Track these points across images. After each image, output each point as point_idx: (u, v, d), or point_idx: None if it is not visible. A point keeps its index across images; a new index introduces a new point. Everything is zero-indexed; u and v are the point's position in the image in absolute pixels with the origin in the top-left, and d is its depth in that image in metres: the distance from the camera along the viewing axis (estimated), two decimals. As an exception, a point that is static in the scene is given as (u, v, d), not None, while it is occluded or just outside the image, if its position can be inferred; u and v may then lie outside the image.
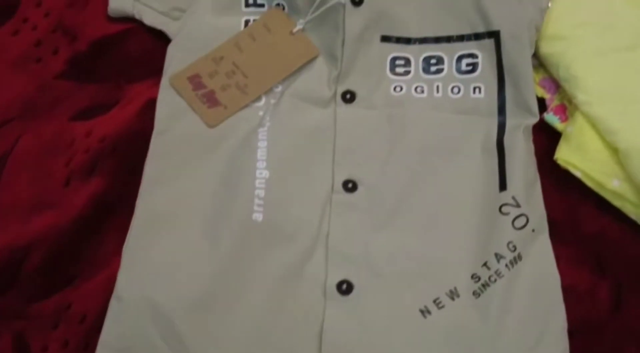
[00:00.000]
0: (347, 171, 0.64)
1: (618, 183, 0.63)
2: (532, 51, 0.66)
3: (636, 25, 0.67)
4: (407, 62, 0.68)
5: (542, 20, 0.66)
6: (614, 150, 0.63)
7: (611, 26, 0.67)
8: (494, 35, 0.66)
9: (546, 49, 0.67)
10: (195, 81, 0.67)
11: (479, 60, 0.67)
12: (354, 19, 0.66)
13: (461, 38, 0.68)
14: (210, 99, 0.66)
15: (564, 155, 0.64)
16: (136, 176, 0.63)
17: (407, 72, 0.68)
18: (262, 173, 0.63)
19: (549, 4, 0.67)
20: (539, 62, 0.69)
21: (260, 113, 0.67)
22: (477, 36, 0.67)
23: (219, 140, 0.65)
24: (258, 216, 0.62)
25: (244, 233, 0.61)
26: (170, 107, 0.66)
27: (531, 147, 0.66)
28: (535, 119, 0.65)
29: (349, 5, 0.66)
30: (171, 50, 0.69)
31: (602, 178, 0.63)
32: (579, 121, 0.65)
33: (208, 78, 0.67)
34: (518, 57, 0.66)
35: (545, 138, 0.68)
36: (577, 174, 0.64)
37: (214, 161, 0.64)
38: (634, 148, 0.62)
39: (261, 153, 0.64)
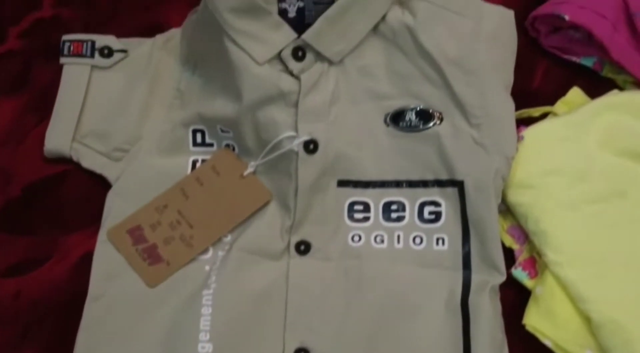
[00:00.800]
0: (299, 338, 0.59)
1: (591, 355, 0.58)
2: (499, 201, 0.62)
3: (611, 174, 0.63)
4: (366, 207, 0.64)
5: (509, 169, 0.62)
6: (587, 318, 0.58)
7: (584, 174, 0.63)
8: (458, 184, 0.62)
9: (514, 198, 0.63)
10: (136, 234, 0.62)
11: (443, 209, 0.63)
12: (308, 167, 0.62)
13: (424, 183, 0.64)
14: (152, 255, 0.62)
15: (532, 321, 0.60)
16: (68, 347, 0.57)
17: (366, 219, 0.64)
18: (204, 346, 0.58)
19: (516, 152, 0.62)
20: (507, 207, 0.64)
21: (207, 268, 0.62)
22: (440, 183, 0.63)
23: (159, 304, 0.60)
24: (200, 397, 0.57)
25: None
26: (107, 265, 0.61)
27: (498, 307, 0.61)
28: (502, 278, 0.61)
29: (302, 152, 0.61)
30: (111, 197, 0.64)
31: (574, 349, 0.59)
32: (549, 282, 0.60)
33: (150, 230, 0.62)
34: (483, 210, 0.61)
35: (514, 292, 0.63)
36: (547, 343, 0.59)
37: (152, 330, 0.59)
38: (608, 319, 0.57)
39: (204, 322, 0.59)
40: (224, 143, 0.65)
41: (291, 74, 0.62)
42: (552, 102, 0.71)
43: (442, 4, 0.62)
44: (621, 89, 0.72)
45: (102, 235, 0.62)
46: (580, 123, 0.65)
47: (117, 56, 0.68)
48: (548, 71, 0.74)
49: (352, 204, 0.64)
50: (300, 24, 0.63)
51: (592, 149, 0.64)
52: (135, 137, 0.65)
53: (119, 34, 0.70)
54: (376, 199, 0.64)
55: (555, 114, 0.69)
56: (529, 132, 0.65)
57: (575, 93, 0.70)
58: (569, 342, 0.59)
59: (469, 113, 0.62)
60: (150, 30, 0.70)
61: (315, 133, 0.62)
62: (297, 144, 0.61)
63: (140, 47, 0.69)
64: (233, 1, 0.59)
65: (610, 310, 0.58)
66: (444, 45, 0.62)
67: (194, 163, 0.66)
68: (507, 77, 0.64)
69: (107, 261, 0.62)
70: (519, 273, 0.63)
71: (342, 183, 0.64)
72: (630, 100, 0.66)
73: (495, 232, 0.61)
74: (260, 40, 0.61)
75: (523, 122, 0.68)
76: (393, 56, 0.63)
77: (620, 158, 0.64)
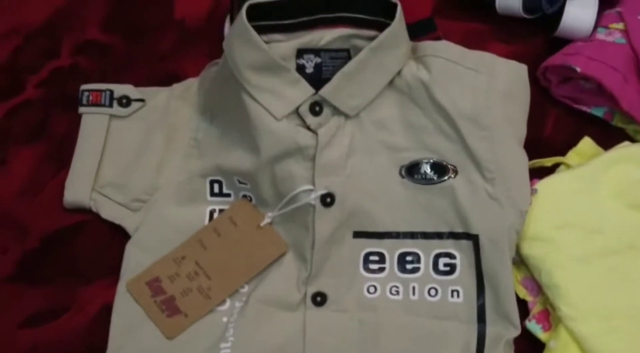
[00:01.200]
0: (316, 391, 0.60)
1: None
2: (513, 254, 0.63)
3: (624, 226, 0.64)
4: (382, 258, 0.65)
5: (523, 223, 0.63)
6: (600, 373, 0.59)
7: (597, 228, 0.64)
8: (472, 238, 0.63)
9: (527, 250, 0.64)
10: (154, 286, 0.63)
11: (457, 261, 0.64)
12: (325, 220, 0.62)
13: (438, 235, 0.64)
14: (170, 307, 0.62)
15: (546, 374, 0.60)
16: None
17: (381, 269, 0.64)
18: (223, 399, 0.59)
19: (529, 205, 0.63)
20: (520, 259, 0.65)
21: (224, 319, 0.63)
22: (454, 235, 0.64)
23: (177, 358, 0.60)
24: None
25: None
26: (126, 318, 0.62)
27: (513, 360, 0.62)
28: (517, 332, 0.61)
29: (319, 206, 0.62)
30: (129, 248, 0.65)
31: (587, 403, 0.59)
32: (563, 335, 0.61)
33: (168, 282, 0.63)
34: (497, 264, 0.62)
35: (527, 344, 0.64)
36: (561, 396, 0.60)
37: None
38: (621, 375, 0.58)
39: (223, 377, 0.59)
40: (242, 193, 0.66)
41: (308, 128, 0.63)
42: (563, 151, 0.72)
43: (456, 60, 0.63)
44: (632, 138, 0.73)
45: (121, 287, 0.63)
46: (592, 176, 0.66)
47: (135, 105, 0.69)
48: (559, 120, 0.75)
49: (367, 255, 0.65)
50: (317, 79, 0.64)
51: (605, 202, 0.65)
52: (153, 187, 0.66)
53: (136, 83, 0.71)
54: (391, 250, 0.65)
55: (567, 165, 0.70)
56: (542, 185, 0.66)
57: (586, 143, 0.71)
58: (583, 396, 0.59)
59: (483, 167, 0.63)
60: (166, 79, 0.71)
61: (332, 186, 0.63)
62: (314, 198, 0.62)
63: (157, 96, 0.69)
64: (252, 58, 0.60)
65: (624, 366, 0.58)
66: (459, 101, 0.63)
67: (212, 213, 0.67)
68: (521, 130, 0.65)
69: (127, 313, 0.62)
70: (533, 325, 0.64)
71: (358, 234, 0.65)
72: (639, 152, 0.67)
73: (510, 286, 0.62)
74: (278, 96, 0.61)
75: (535, 172, 0.69)
76: (408, 110, 0.64)
77: (632, 210, 0.65)
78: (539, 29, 0.78)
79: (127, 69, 0.74)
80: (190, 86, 0.70)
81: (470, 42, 0.77)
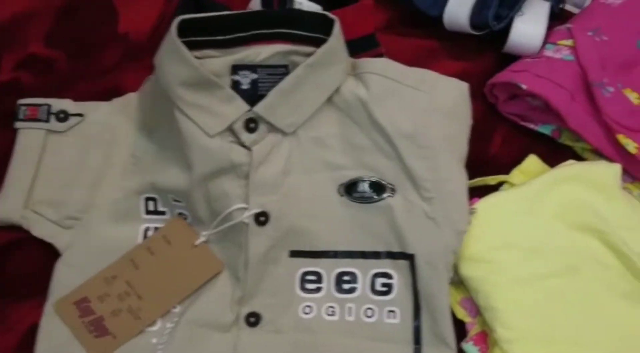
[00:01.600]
0: (245, 415, 0.58)
1: None
2: (450, 275, 0.62)
3: (566, 248, 0.63)
4: (319, 277, 0.63)
5: (460, 243, 0.61)
6: (536, 398, 0.58)
7: (537, 249, 0.63)
8: (409, 257, 0.62)
9: (465, 271, 0.63)
10: (83, 306, 0.61)
11: (395, 281, 0.63)
12: (259, 239, 0.61)
13: (376, 255, 0.63)
14: (98, 328, 0.61)
15: (481, 399, 0.59)
16: None
17: (318, 289, 0.63)
18: None
19: (467, 226, 0.61)
20: (460, 279, 0.64)
21: (154, 341, 0.61)
22: (392, 255, 0.63)
23: (104, 379, 0.59)
24: None
25: None
26: (53, 339, 0.61)
27: (448, 383, 0.60)
28: (452, 353, 0.60)
29: (252, 224, 0.61)
30: (59, 267, 0.63)
31: None
32: (499, 359, 0.59)
33: (97, 302, 0.62)
34: (434, 285, 0.61)
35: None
36: None
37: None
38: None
39: (149, 399, 0.58)
40: (177, 211, 0.65)
41: (243, 145, 0.62)
42: (510, 169, 0.71)
43: (395, 78, 0.63)
44: (579, 157, 0.72)
45: (48, 307, 0.62)
46: (534, 196, 0.65)
47: (73, 120, 0.68)
48: (506, 137, 0.74)
49: (304, 274, 0.64)
50: (254, 95, 0.63)
51: (546, 223, 0.64)
52: (87, 204, 0.65)
53: (79, 98, 0.70)
54: (329, 269, 0.64)
55: (510, 183, 0.69)
56: (482, 204, 0.65)
57: (532, 161, 0.70)
58: None
59: (420, 187, 0.62)
60: (109, 94, 0.70)
61: (267, 205, 0.62)
62: (247, 216, 0.61)
63: (96, 111, 0.68)
64: (183, 75, 0.60)
65: (558, 392, 0.57)
66: (397, 119, 0.62)
67: (146, 231, 0.65)
68: (461, 149, 0.64)
69: (53, 334, 0.61)
70: (470, 347, 0.62)
71: (294, 253, 0.64)
72: (584, 172, 0.66)
73: (446, 307, 0.61)
74: (212, 113, 0.60)
75: (479, 190, 0.68)
76: (347, 128, 0.63)
77: (574, 231, 0.64)
78: (489, 46, 0.77)
79: (70, 84, 0.73)
80: (130, 100, 0.69)
81: (421, 58, 0.77)
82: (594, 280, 0.62)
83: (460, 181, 0.63)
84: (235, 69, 0.62)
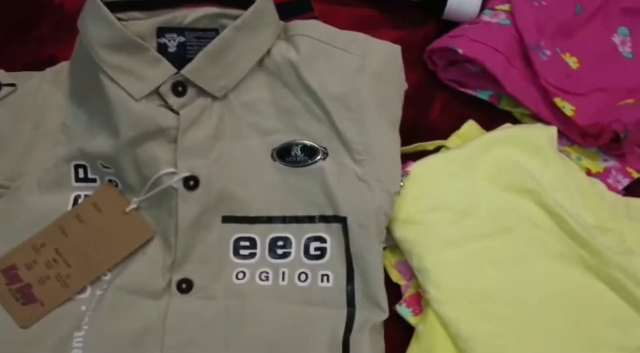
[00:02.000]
0: (174, 380, 0.58)
1: (470, 394, 0.57)
2: (382, 237, 0.61)
3: (497, 209, 0.63)
4: (253, 243, 0.63)
5: (392, 206, 0.61)
6: (466, 358, 0.57)
7: (469, 211, 0.63)
8: (341, 220, 0.61)
9: (399, 233, 0.62)
10: (10, 274, 0.60)
11: (328, 245, 0.62)
12: (188, 204, 0.61)
13: (310, 219, 0.63)
14: (26, 295, 0.60)
15: (413, 360, 0.59)
16: None
17: (252, 255, 0.63)
18: (73, 391, 0.56)
19: (400, 188, 0.61)
20: (394, 242, 0.64)
21: (83, 308, 0.60)
22: (325, 219, 0.62)
23: (33, 346, 0.58)
24: None
25: None
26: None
27: (380, 345, 0.60)
28: (384, 315, 0.60)
29: (181, 189, 0.60)
30: (-14, 236, 0.62)
31: (452, 388, 0.58)
32: (430, 319, 0.59)
33: (25, 270, 0.61)
34: (365, 248, 0.60)
35: (401, 329, 0.62)
36: (426, 383, 0.58)
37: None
38: (485, 360, 0.56)
39: (72, 366, 0.57)
40: (107, 178, 0.64)
41: (171, 109, 0.61)
42: (449, 135, 0.71)
43: (325, 40, 0.62)
44: (518, 122, 0.72)
45: (-26, 275, 0.60)
46: (468, 158, 0.65)
47: (5, 90, 0.67)
48: (446, 104, 0.74)
49: (237, 240, 0.63)
50: (182, 59, 0.62)
51: (479, 185, 0.64)
52: (16, 173, 0.64)
53: (13, 69, 0.68)
54: (263, 235, 0.63)
55: (448, 148, 0.69)
56: (416, 167, 0.64)
57: (470, 126, 0.70)
58: (449, 381, 0.58)
59: (352, 149, 0.61)
60: (43, 64, 0.69)
61: (196, 169, 0.61)
62: (176, 181, 0.60)
63: (29, 81, 0.67)
64: (107, 37, 0.59)
65: (490, 349, 0.57)
66: (327, 82, 0.61)
67: (77, 198, 0.64)
68: (394, 113, 0.64)
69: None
70: (404, 310, 0.62)
71: (227, 219, 0.63)
72: (519, 134, 0.66)
73: (378, 270, 0.60)
74: (137, 76, 0.60)
75: (417, 156, 0.68)
76: (278, 92, 0.63)
77: (507, 193, 0.64)
78: (429, 14, 0.77)
79: (4, 54, 0.72)
80: (62, 69, 0.68)
81: (360, 28, 0.76)
82: (527, 240, 0.62)
83: (392, 144, 0.63)
84: (161, 31, 0.62)
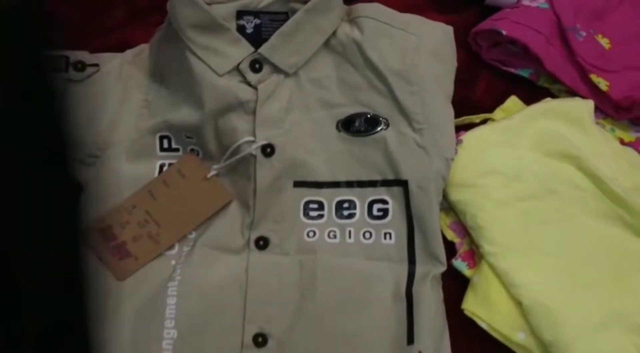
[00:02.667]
0: (257, 325, 0.65)
1: (524, 336, 0.64)
2: (440, 199, 0.68)
3: (542, 174, 0.69)
4: (321, 206, 0.69)
5: (449, 170, 0.68)
6: (519, 303, 0.64)
7: (517, 175, 0.69)
8: (403, 184, 0.68)
9: (454, 196, 0.69)
10: (107, 233, 0.67)
11: (390, 206, 0.68)
12: (265, 169, 0.67)
13: (372, 183, 0.69)
14: (121, 251, 0.66)
15: (470, 306, 0.65)
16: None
17: (320, 216, 0.69)
18: (169, 332, 0.63)
19: (455, 154, 0.68)
20: (449, 205, 0.70)
21: (173, 262, 0.67)
22: (387, 183, 0.69)
23: (127, 296, 0.65)
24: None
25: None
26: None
27: (440, 295, 0.67)
28: (443, 268, 0.66)
29: (259, 156, 0.67)
30: (83, 200, 0.68)
31: (507, 331, 0.64)
32: (485, 270, 0.66)
33: (120, 229, 0.67)
34: (425, 208, 0.67)
35: (456, 284, 0.69)
36: (483, 325, 0.65)
37: (124, 317, 0.64)
38: (536, 303, 0.63)
39: (170, 310, 0.64)
40: (189, 148, 0.71)
41: (249, 84, 0.68)
42: (493, 110, 0.77)
43: (386, 21, 0.69)
44: (556, 97, 0.78)
45: (77, 232, 0.67)
46: (514, 128, 0.71)
47: (89, 70, 0.73)
48: (490, 82, 0.80)
49: (307, 203, 0.69)
50: (257, 39, 0.68)
51: (525, 152, 0.70)
52: (105, 143, 0.70)
53: (91, 52, 0.75)
54: (329, 198, 0.69)
55: (493, 120, 0.75)
56: (468, 136, 0.71)
57: (512, 101, 0.77)
58: (503, 324, 0.65)
59: (412, 119, 0.68)
60: (119, 48, 0.75)
61: (272, 138, 0.68)
62: (255, 149, 0.67)
63: (111, 62, 0.74)
64: (194, 18, 0.65)
65: (538, 295, 0.64)
66: (388, 58, 0.68)
67: (161, 167, 0.71)
68: (447, 87, 0.70)
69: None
70: (459, 264, 0.69)
71: (298, 184, 0.69)
72: (560, 107, 0.72)
73: (436, 227, 0.67)
74: (220, 54, 0.66)
75: (464, 128, 0.74)
76: (343, 68, 0.69)
77: (551, 159, 0.70)
78: (472, 1, 0.83)
79: (83, 40, 0.78)
80: (141, 51, 0.74)
81: (410, 12, 0.82)
82: (570, 201, 0.68)
83: (447, 114, 0.69)
84: (240, 14, 0.68)
